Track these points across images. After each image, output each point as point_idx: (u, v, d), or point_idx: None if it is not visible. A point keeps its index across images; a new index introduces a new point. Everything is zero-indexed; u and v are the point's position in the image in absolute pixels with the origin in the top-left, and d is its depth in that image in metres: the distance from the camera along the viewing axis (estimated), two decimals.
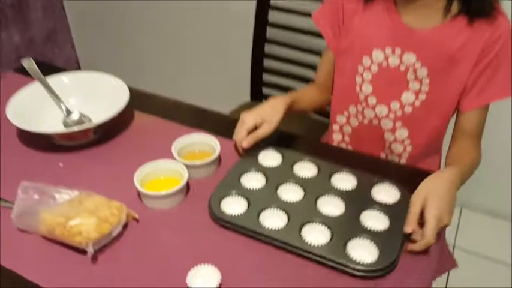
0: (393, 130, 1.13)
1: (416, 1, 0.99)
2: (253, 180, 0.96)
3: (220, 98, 1.86)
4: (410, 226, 0.83)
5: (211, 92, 2.23)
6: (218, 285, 0.76)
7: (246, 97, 1.76)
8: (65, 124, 1.10)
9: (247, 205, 0.90)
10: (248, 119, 1.00)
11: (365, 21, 1.07)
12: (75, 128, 1.02)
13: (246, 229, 0.85)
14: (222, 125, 1.11)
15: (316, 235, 0.84)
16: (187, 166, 0.94)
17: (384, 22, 1.05)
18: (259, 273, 0.80)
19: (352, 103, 1.16)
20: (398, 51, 1.04)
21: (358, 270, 0.78)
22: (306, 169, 0.99)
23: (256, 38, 1.66)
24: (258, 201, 0.90)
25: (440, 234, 0.89)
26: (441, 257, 0.93)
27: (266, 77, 1.72)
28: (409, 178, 0.93)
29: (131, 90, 1.14)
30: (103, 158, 1.04)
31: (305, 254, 0.81)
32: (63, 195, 0.86)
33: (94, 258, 0.81)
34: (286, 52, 1.64)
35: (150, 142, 1.09)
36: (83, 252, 0.81)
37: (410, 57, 1.03)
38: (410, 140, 1.13)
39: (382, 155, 1.19)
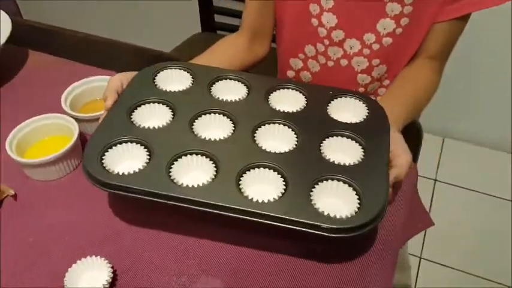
0: (369, 70, 0.87)
1: None
2: (152, 116, 0.65)
3: (167, 32, 1.61)
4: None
5: (155, 27, 1.98)
6: (107, 284, 0.56)
7: (197, 28, 1.53)
8: None
9: (147, 156, 0.60)
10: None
11: None
12: None
13: (151, 193, 0.55)
14: (140, 62, 0.84)
15: (262, 186, 0.57)
16: (78, 120, 0.72)
17: None
18: (182, 257, 0.60)
19: (309, 42, 0.89)
20: None
21: (334, 232, 0.52)
22: (229, 90, 0.70)
23: None
24: (165, 147, 0.60)
25: (414, 192, 0.71)
26: (415, 216, 0.74)
27: (217, 2, 1.46)
28: None
29: (31, 25, 0.88)
30: None
31: (251, 217, 0.54)
32: None
33: None
34: None
35: (44, 89, 0.85)
36: None
37: None
38: (388, 74, 0.89)
39: None
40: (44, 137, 0.73)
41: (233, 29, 1.48)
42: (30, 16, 2.25)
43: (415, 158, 0.73)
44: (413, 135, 0.77)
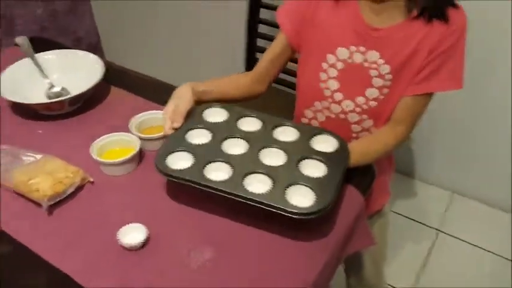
0: (359, 122, 1.19)
1: (378, 3, 1.04)
2: (199, 136, 1.01)
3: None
4: None
5: (208, 68, 2.33)
6: (143, 241, 0.90)
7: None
8: (48, 96, 1.25)
9: (193, 160, 0.94)
10: (165, 110, 1.05)
11: (329, 21, 1.11)
12: (48, 100, 1.18)
13: (190, 182, 0.90)
14: None
15: (258, 185, 0.90)
16: (141, 139, 1.08)
17: (347, 21, 1.08)
18: (192, 230, 0.93)
19: (318, 99, 1.20)
20: (362, 49, 1.08)
21: (294, 214, 0.84)
22: (249, 124, 1.05)
23: (250, 18, 1.77)
24: (203, 155, 0.95)
25: (363, 213, 1.01)
26: (359, 233, 1.03)
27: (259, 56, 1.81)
28: None
29: (115, 67, 1.26)
30: (75, 128, 1.19)
31: (247, 202, 0.86)
32: (30, 157, 1.02)
33: (50, 211, 0.97)
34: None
35: (118, 116, 1.22)
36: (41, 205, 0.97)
37: (373, 55, 1.08)
38: (375, 127, 1.20)
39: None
40: (115, 147, 1.09)
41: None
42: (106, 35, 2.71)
43: (365, 193, 1.04)
44: (370, 173, 1.08)
